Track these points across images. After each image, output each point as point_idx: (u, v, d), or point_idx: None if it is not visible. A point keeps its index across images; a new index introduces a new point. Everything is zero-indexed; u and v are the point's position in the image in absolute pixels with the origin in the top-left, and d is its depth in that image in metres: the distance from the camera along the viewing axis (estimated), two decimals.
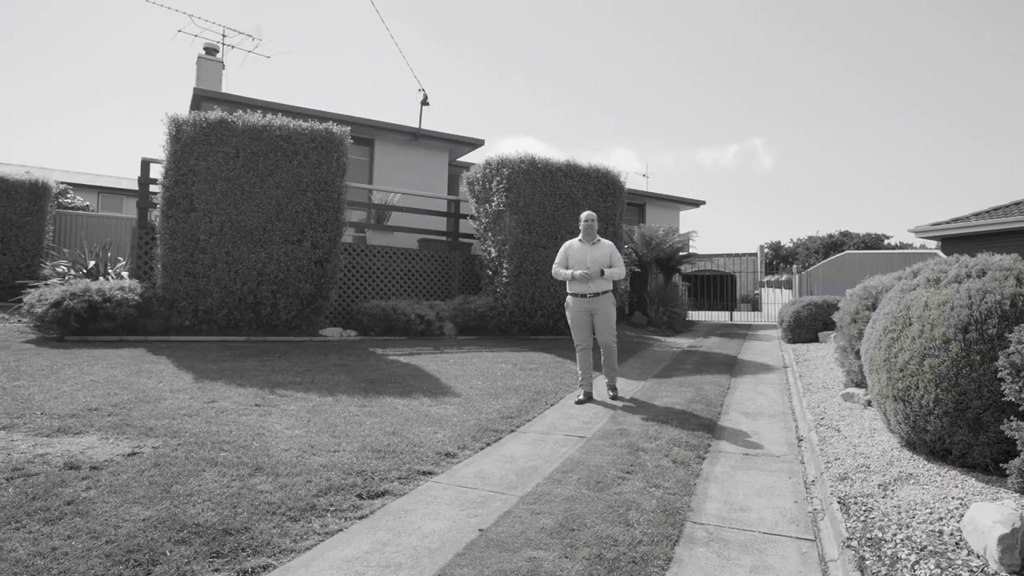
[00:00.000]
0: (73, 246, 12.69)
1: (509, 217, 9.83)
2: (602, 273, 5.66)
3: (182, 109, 16.75)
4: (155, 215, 8.55)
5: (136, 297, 7.78)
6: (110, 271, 9.29)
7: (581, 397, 5.73)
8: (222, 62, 15.73)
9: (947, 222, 14.19)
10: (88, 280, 8.33)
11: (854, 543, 2.70)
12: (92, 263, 9.55)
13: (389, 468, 3.73)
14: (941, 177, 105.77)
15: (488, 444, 4.46)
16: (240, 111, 8.40)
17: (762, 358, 8.91)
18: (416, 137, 13.47)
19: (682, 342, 11.20)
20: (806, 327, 9.99)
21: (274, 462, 3.59)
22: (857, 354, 5.16)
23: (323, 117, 10.10)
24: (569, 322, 5.89)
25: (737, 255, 28.47)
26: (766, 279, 24.46)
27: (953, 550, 2.52)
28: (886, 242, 31.64)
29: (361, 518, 3.08)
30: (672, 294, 13.84)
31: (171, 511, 2.86)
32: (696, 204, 19.70)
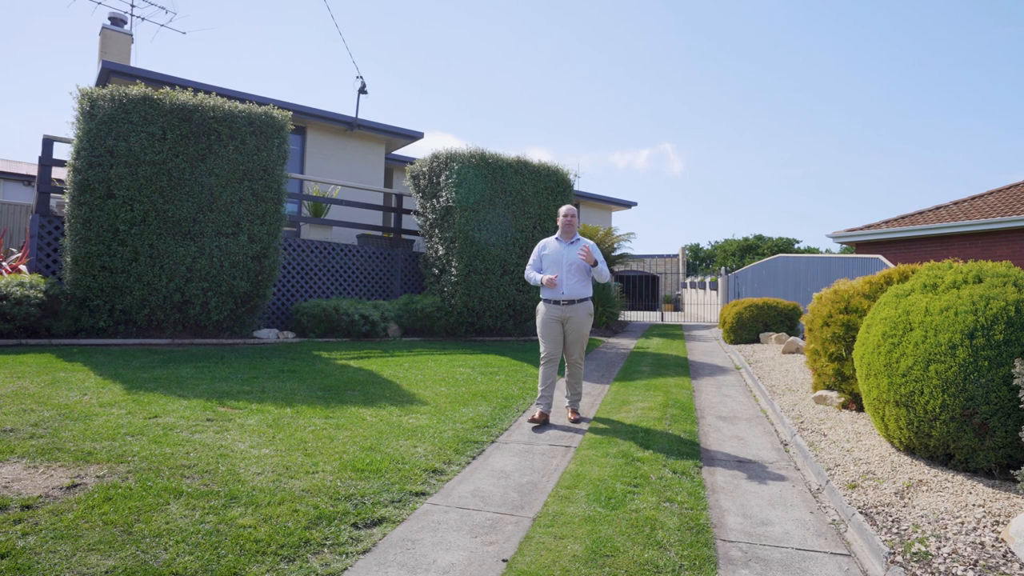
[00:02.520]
0: None
1: (459, 214, 9.47)
2: (590, 273, 5.00)
3: (84, 86, 15.17)
4: (60, 201, 7.55)
5: (40, 295, 6.81)
6: (4, 264, 8.12)
7: (536, 416, 4.90)
8: (131, 35, 14.35)
9: (860, 228, 15.15)
10: None
11: (899, 559, 2.62)
12: None
13: (378, 490, 3.34)
14: (845, 184, 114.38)
15: (473, 457, 4.14)
16: (166, 89, 7.56)
17: (711, 359, 9.05)
18: (352, 127, 12.79)
19: (627, 343, 11.26)
20: (748, 328, 10.27)
21: (249, 489, 3.11)
22: (830, 357, 5.24)
23: (254, 101, 9.32)
24: (538, 330, 5.15)
25: (660, 256, 29.38)
26: (688, 280, 25.32)
27: (1004, 564, 2.48)
28: (796, 246, 33.74)
29: (364, 552, 2.69)
30: (608, 294, 13.93)
31: (139, 558, 2.36)
32: (628, 205, 20.06)
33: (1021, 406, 3.07)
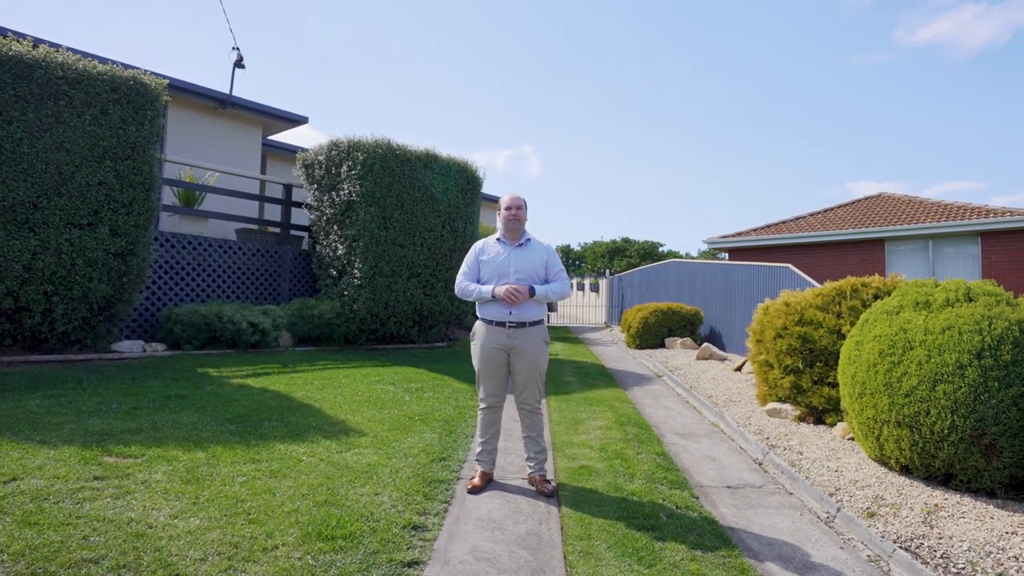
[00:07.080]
0: None
1: (364, 210, 8.54)
2: (532, 293, 3.63)
3: None
4: None
5: None
6: None
7: (477, 482, 3.71)
8: None
9: (733, 235, 16.21)
10: None
11: None
12: None
13: (363, 565, 2.60)
14: (705, 189, 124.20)
15: (448, 503, 3.50)
16: None
17: (626, 366, 8.98)
18: (225, 105, 11.20)
19: None
20: (653, 333, 10.40)
21: None
22: (785, 370, 5.22)
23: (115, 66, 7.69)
24: (475, 361, 3.79)
25: None
26: None
27: None
28: (660, 249, 35.91)
29: None
30: None
31: None
32: None
33: None
